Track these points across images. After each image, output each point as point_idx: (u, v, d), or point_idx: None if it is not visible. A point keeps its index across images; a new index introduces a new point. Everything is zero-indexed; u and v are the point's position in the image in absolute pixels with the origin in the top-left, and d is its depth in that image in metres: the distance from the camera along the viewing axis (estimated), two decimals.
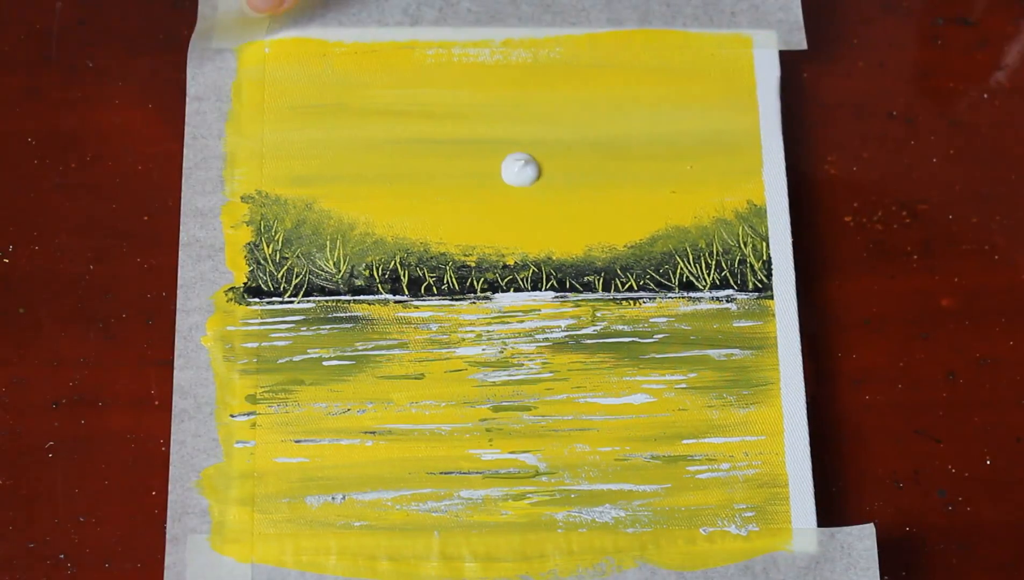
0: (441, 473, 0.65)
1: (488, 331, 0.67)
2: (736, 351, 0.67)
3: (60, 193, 0.70)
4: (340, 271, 0.68)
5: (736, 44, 0.72)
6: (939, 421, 0.68)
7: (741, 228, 0.69)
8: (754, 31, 0.72)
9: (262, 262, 0.67)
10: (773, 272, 0.68)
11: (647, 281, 0.68)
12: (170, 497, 0.64)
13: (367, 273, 0.68)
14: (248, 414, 0.65)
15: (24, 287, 0.68)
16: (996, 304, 0.70)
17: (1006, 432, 0.68)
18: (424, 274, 0.68)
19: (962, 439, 0.68)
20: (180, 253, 0.68)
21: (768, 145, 0.70)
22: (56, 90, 0.71)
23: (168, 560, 0.63)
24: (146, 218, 0.70)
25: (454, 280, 0.68)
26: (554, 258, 0.68)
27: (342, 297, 0.67)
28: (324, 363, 0.66)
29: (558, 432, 0.65)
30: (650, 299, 0.68)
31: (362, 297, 0.67)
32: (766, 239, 0.69)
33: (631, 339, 0.67)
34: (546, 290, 0.68)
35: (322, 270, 0.68)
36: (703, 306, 0.68)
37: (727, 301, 0.68)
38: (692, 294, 0.68)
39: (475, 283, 0.68)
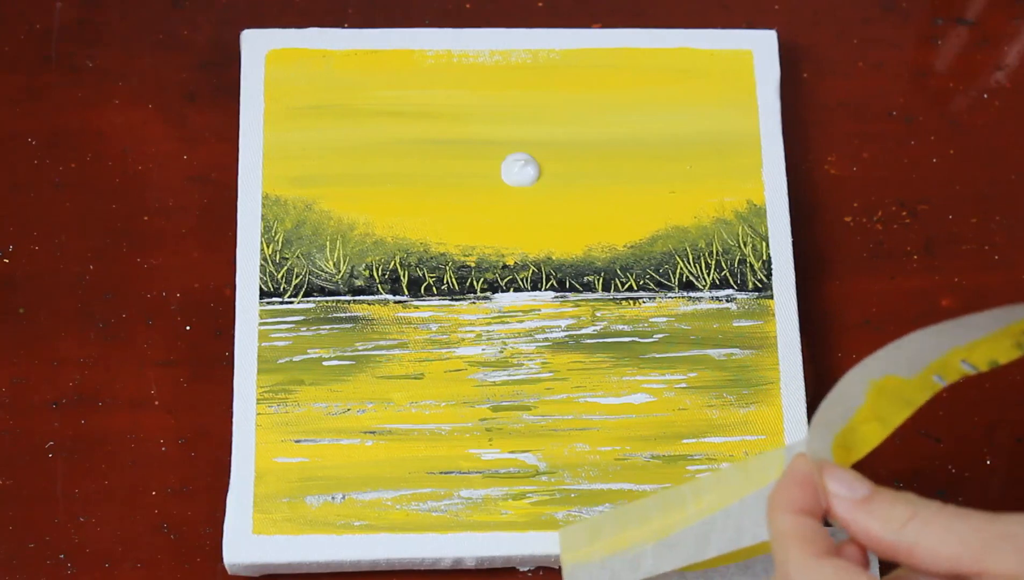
0: (441, 473, 0.65)
1: (488, 331, 0.67)
2: (736, 351, 0.67)
3: (60, 193, 0.70)
4: (340, 271, 0.68)
5: (736, 52, 0.72)
6: (939, 421, 0.68)
7: (741, 228, 0.69)
8: (753, 37, 0.72)
9: (262, 263, 0.67)
10: (773, 272, 0.68)
11: (647, 281, 0.68)
12: None
13: (367, 273, 0.68)
14: None
15: (24, 287, 0.68)
16: (996, 304, 0.69)
17: (1006, 432, 0.68)
18: (424, 274, 0.68)
19: (962, 439, 0.68)
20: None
21: (768, 145, 0.70)
22: (56, 90, 0.71)
23: None
24: (146, 218, 0.70)
25: (454, 280, 0.68)
26: (554, 258, 0.68)
27: (342, 297, 0.67)
28: (324, 363, 0.66)
29: (558, 432, 0.65)
30: (650, 299, 0.68)
31: (362, 297, 0.67)
32: (766, 239, 0.69)
33: (631, 339, 0.67)
34: (546, 290, 0.68)
35: (322, 270, 0.68)
36: (703, 306, 0.68)
37: (727, 301, 0.68)
38: (692, 294, 0.68)
39: (475, 283, 0.68)
